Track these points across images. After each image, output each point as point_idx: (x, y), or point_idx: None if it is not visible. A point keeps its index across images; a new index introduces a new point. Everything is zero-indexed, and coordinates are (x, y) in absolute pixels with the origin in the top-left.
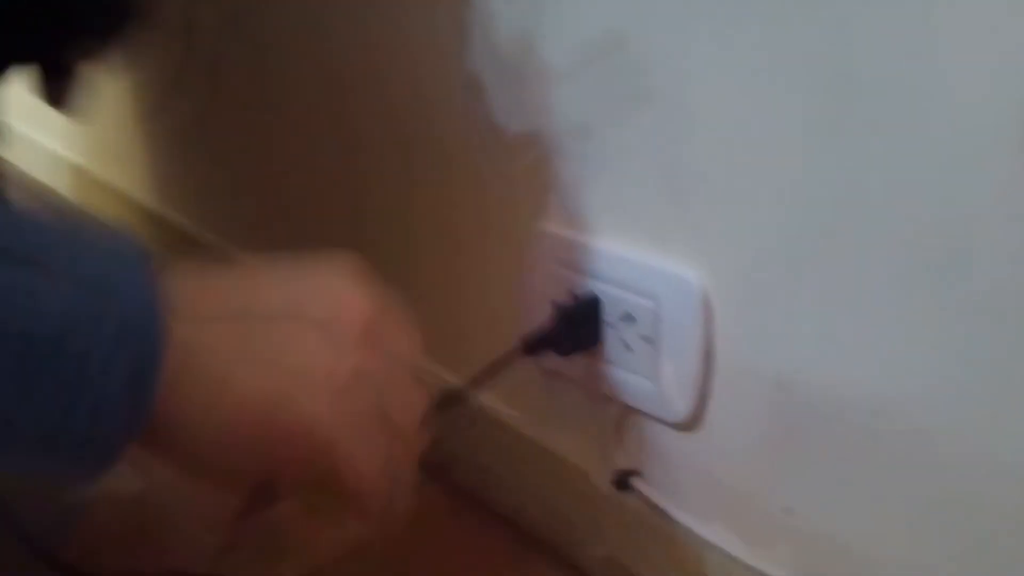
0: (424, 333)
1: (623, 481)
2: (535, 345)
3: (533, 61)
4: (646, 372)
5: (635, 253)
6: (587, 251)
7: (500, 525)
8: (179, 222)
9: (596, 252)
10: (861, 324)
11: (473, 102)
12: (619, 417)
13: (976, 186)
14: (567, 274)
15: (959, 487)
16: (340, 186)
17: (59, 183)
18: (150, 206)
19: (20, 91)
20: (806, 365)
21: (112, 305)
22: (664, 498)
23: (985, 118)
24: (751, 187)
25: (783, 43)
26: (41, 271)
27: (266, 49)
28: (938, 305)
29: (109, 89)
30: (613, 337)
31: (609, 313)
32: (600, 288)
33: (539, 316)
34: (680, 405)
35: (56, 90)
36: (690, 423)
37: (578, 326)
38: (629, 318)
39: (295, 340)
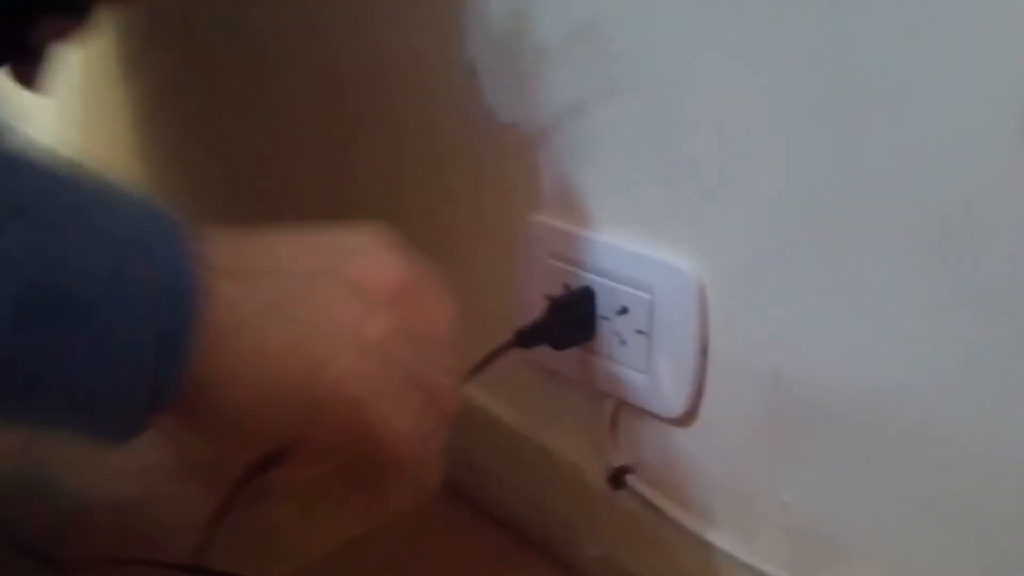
0: None
1: (618, 478)
2: (529, 338)
3: (528, 48)
4: (641, 366)
5: (630, 245)
6: (582, 243)
7: (494, 524)
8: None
9: (591, 244)
10: (860, 317)
11: (470, 90)
12: (614, 413)
13: (977, 180)
14: (561, 266)
15: (958, 482)
16: (333, 175)
17: None
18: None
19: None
20: (804, 359)
21: (146, 265)
22: (659, 495)
23: (985, 111)
24: (749, 178)
25: (781, 30)
26: (75, 232)
27: (262, 41)
28: (938, 297)
29: (109, 89)
30: (607, 330)
31: (603, 306)
32: (594, 280)
33: (533, 309)
34: (675, 400)
35: (26, 71)
36: (686, 418)
37: (572, 319)
38: (624, 311)
39: (329, 297)
